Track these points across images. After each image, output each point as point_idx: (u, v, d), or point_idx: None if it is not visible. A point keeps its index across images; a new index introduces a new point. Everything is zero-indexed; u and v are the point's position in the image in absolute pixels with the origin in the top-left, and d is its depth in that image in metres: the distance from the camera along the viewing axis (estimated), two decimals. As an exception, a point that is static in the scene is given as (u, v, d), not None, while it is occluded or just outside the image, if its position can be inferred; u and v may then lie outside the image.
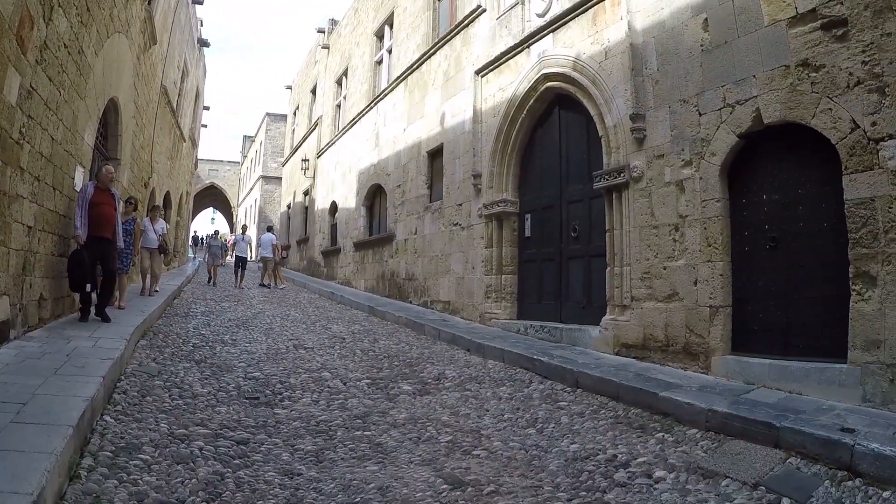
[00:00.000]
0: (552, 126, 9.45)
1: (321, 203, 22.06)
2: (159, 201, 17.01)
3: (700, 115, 6.63)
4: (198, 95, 26.39)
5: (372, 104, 16.66)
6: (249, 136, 57.82)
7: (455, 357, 7.76)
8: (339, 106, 21.77)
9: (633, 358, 7.11)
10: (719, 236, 6.36)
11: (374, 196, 16.42)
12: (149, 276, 11.11)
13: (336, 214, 19.99)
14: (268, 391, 5.56)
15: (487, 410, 5.40)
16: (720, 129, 6.40)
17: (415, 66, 13.72)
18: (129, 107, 10.72)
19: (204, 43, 23.64)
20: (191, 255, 31.90)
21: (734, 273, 6.38)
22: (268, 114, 47.40)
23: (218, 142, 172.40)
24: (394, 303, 12.76)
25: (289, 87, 34.51)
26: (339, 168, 19.68)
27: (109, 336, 6.27)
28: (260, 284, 18.10)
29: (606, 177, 7.74)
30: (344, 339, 8.71)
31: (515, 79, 9.76)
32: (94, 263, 7.16)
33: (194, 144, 27.07)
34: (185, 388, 5.38)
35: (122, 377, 5.46)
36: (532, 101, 9.52)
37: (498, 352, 7.59)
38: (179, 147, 20.94)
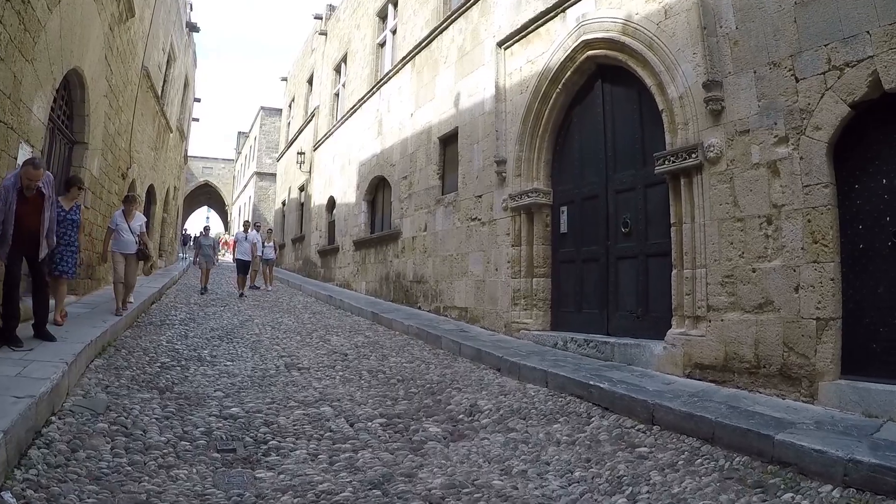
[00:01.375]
0: (593, 102, 7.99)
1: (318, 198, 20.60)
2: (141, 195, 15.49)
3: (797, 80, 5.22)
4: (187, 85, 24.89)
5: (374, 89, 15.18)
6: (244, 132, 56.66)
7: (484, 379, 6.29)
8: (337, 95, 20.41)
9: (711, 382, 5.68)
10: (829, 231, 4.95)
11: (376, 189, 14.91)
12: (121, 286, 8.32)
13: (334, 210, 18.51)
14: (248, 438, 4.10)
15: (548, 465, 3.96)
16: (825, 98, 5.00)
17: (423, 44, 12.24)
18: (100, 84, 9.21)
19: (193, 27, 22.09)
20: (181, 255, 30.33)
21: (845, 277, 4.97)
22: (262, 107, 46.13)
23: (213, 140, 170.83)
24: (400, 308, 11.26)
25: (284, 79, 33.32)
26: (338, 160, 18.19)
27: (46, 359, 4.75)
28: (250, 287, 16.57)
29: (671, 159, 6.28)
30: (346, 355, 7.24)
31: (547, 49, 8.29)
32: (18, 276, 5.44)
33: (183, 136, 25.50)
34: (137, 435, 3.92)
35: (54, 417, 3.99)
36: (568, 73, 8.06)
37: (539, 374, 6.11)
38: (165, 138, 19.38)
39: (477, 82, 9.94)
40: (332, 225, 18.60)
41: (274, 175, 39.35)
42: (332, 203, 18.84)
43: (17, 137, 6.03)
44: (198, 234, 19.67)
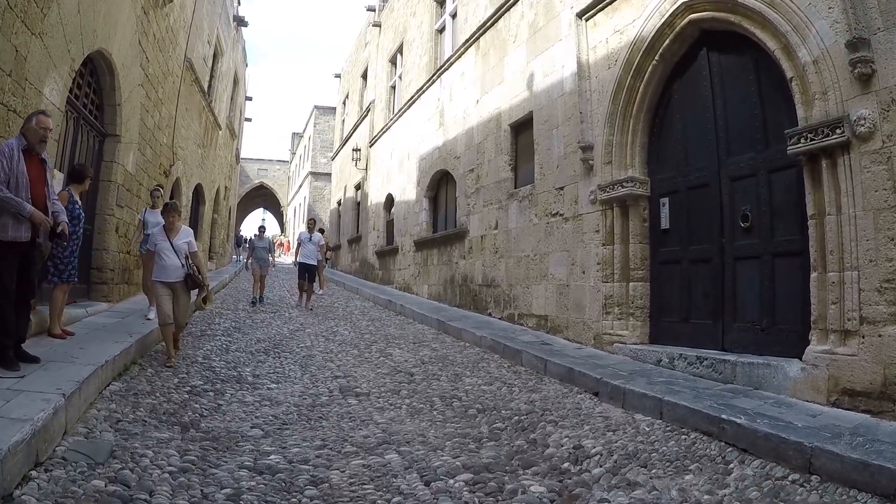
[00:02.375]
0: (697, 75, 6.91)
1: (375, 197, 19.93)
2: (187, 194, 15.03)
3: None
4: (236, 82, 24.65)
5: (434, 77, 14.34)
6: (298, 133, 56.99)
7: (582, 407, 5.31)
8: (393, 87, 19.80)
9: (864, 412, 4.59)
10: None
11: (438, 185, 14.08)
12: (170, 328, 6.33)
13: (392, 209, 17.79)
14: (288, 508, 3.19)
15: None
16: None
17: (488, 24, 11.31)
18: (133, 71, 8.64)
19: (241, 21, 21.78)
20: (234, 257, 30.19)
21: None
22: (316, 106, 46.11)
23: (269, 142, 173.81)
24: (469, 315, 10.36)
25: (337, 76, 32.96)
26: (396, 155, 17.45)
27: (40, 389, 3.91)
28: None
29: (809, 136, 5.17)
30: (412, 374, 6.39)
31: (639, 15, 7.25)
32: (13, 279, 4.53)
33: (234, 135, 25.30)
34: (138, 502, 3.01)
35: (37, 471, 3.15)
36: (666, 42, 7.00)
37: (651, 402, 5.10)
38: (213, 135, 19.03)
39: (553, 60, 8.95)
40: (390, 224, 17.88)
41: (329, 175, 39.16)
42: (390, 201, 18.13)
43: (20, 119, 5.37)
44: (252, 236, 18.94)
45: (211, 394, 5.21)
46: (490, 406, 5.17)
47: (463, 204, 11.80)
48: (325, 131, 44.44)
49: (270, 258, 13.34)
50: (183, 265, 6.35)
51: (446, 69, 13.56)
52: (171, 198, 13.58)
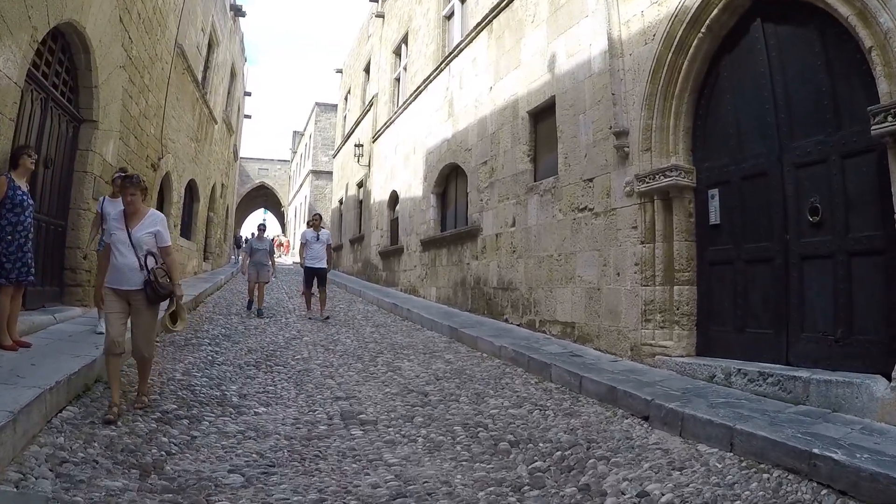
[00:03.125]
0: (750, 49, 6.07)
1: (378, 194, 19.12)
2: (179, 190, 14.22)
3: None
4: (234, 75, 23.91)
5: (442, 65, 13.52)
6: (299, 132, 56.33)
7: (633, 436, 4.47)
8: (397, 80, 19.06)
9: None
10: None
11: (447, 180, 13.24)
12: (115, 359, 4.61)
13: (397, 207, 16.97)
14: None
15: None
16: None
17: (503, 5, 10.48)
18: (113, 51, 7.85)
19: (238, 11, 20.98)
20: (234, 259, 29.38)
21: None
22: (317, 103, 45.39)
23: (269, 142, 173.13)
24: (483, 322, 9.51)
25: (339, 71, 32.25)
26: (401, 150, 16.64)
27: None
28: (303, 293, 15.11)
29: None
30: (426, 394, 5.53)
31: (681, -17, 6.42)
32: None
33: (231, 130, 24.48)
34: None
35: None
36: (714, 12, 6.16)
37: (718, 431, 4.25)
38: (209, 130, 18.23)
39: (579, 39, 8.11)
40: (394, 223, 17.06)
41: (330, 173, 38.57)
42: (394, 198, 17.32)
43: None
44: (249, 236, 17.82)
45: (185, 422, 4.35)
46: (524, 437, 4.31)
47: (475, 200, 10.96)
48: (326, 129, 43.78)
49: (271, 263, 11.64)
50: (143, 267, 4.55)
51: (455, 56, 12.73)
52: (161, 194, 12.81)
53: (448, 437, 4.29)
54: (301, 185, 48.81)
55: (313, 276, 11.00)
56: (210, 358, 6.51)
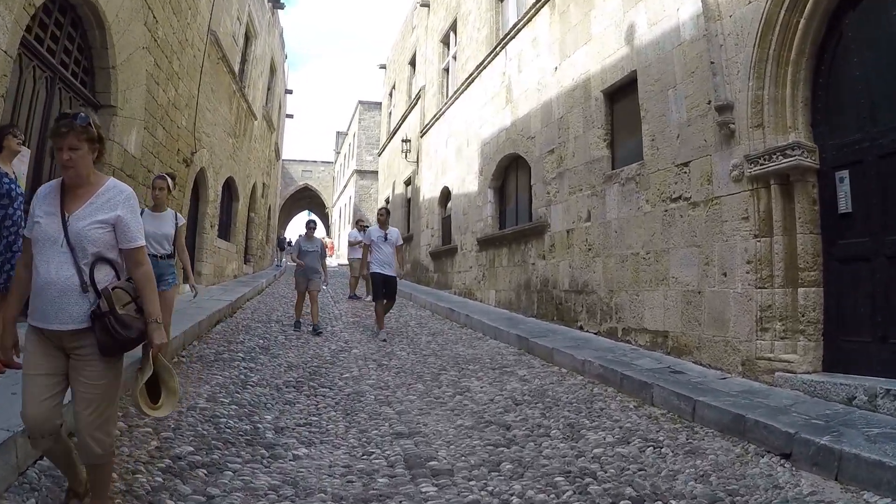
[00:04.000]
0: (881, 4, 5.04)
1: (428, 191, 18.31)
2: (215, 188, 13.63)
3: None
4: (274, 70, 23.43)
5: (497, 49, 12.61)
6: (342, 132, 56.15)
7: (780, 484, 3.50)
8: (446, 70, 18.32)
9: None
10: None
11: (506, 172, 12.32)
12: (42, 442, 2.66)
13: (449, 204, 16.13)
14: None
15: None
16: None
17: (567, -24, 9.53)
18: (134, 29, 7.21)
19: (276, 3, 20.51)
20: (277, 262, 28.92)
21: None
22: (360, 102, 45.02)
23: (313, 145, 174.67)
24: (554, 329, 8.57)
25: (382, 67, 31.77)
26: (453, 143, 15.79)
27: None
28: (350, 297, 14.46)
29: None
30: (508, 426, 4.58)
31: (796, -74, 5.40)
32: None
33: (272, 128, 23.98)
34: None
35: None
36: (839, -43, 5.16)
37: (893, 476, 3.29)
38: (248, 125, 17.68)
39: (663, 4, 7.11)
40: (446, 221, 16.22)
41: (375, 172, 38.18)
42: (446, 195, 16.50)
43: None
44: (297, 238, 16.72)
45: (202, 472, 3.44)
46: (647, 490, 3.34)
47: (540, 193, 10.01)
48: (370, 127, 43.42)
49: (325, 269, 9.95)
50: (87, 286, 2.56)
51: (512, 38, 11.80)
52: (196, 192, 12.25)
53: (551, 495, 3.32)
54: (345, 186, 48.55)
55: (383, 285, 9.04)
56: (243, 377, 5.71)
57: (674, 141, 6.77)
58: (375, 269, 9.08)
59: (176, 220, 5.64)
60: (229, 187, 16.47)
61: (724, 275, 5.97)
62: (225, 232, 16.42)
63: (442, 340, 8.64)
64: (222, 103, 13.65)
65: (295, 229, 68.70)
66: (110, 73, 6.69)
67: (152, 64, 8.11)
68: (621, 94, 8.05)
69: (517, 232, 10.86)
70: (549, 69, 10.00)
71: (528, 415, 4.76)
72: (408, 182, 22.08)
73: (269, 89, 22.61)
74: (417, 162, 20.25)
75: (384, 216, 9.66)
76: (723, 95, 6.02)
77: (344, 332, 9.11)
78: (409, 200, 22.24)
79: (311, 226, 10.21)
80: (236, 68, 14.76)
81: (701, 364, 6.14)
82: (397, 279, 9.34)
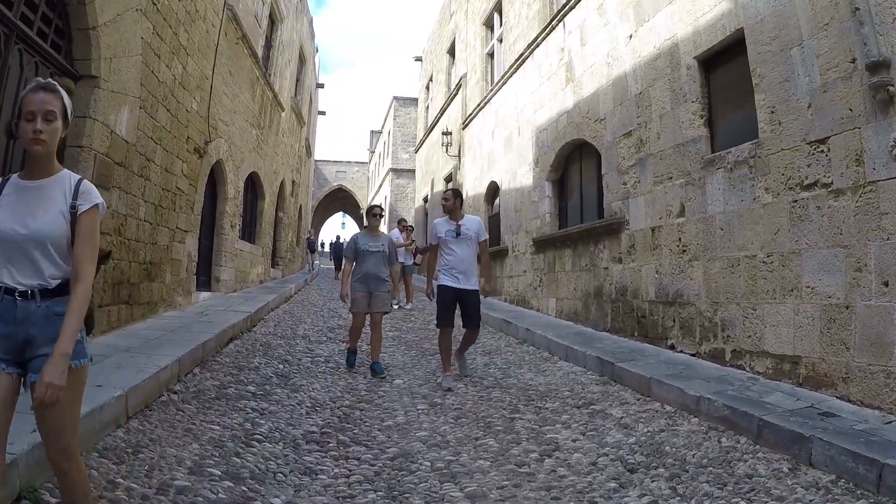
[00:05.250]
0: None
1: (472, 187, 17.15)
2: (236, 183, 12.61)
3: None
4: (303, 61, 22.57)
5: (553, 23, 11.36)
6: (376, 131, 55.58)
7: None
8: (490, 54, 17.27)
9: None
10: None
11: (567, 162, 11.05)
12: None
13: (497, 200, 14.95)
14: None
15: None
16: None
17: (641, -72, 8.24)
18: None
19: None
20: (309, 265, 27.97)
21: None
22: (395, 97, 44.21)
23: (347, 147, 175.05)
24: (638, 348, 7.24)
25: (418, 59, 31.01)
26: (500, 132, 14.59)
27: None
28: (397, 304, 13.37)
29: None
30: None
31: None
32: None
33: (302, 122, 23.03)
34: None
35: None
36: None
37: None
38: (274, 117, 16.70)
39: (778, -58, 5.81)
40: (494, 220, 15.04)
41: (412, 171, 37.46)
42: (493, 191, 15.33)
43: None
44: (355, 236, 14.95)
45: None
46: None
47: (614, 184, 8.71)
48: (405, 124, 42.59)
49: (393, 279, 7.70)
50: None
51: (571, 7, 10.51)
52: (212, 188, 11.28)
53: None
54: (380, 186, 47.82)
55: (456, 304, 6.52)
56: (249, 426, 4.42)
57: (803, 112, 5.43)
58: (446, 279, 6.50)
59: (74, 198, 2.35)
60: (253, 183, 15.53)
61: (886, 284, 4.63)
62: (248, 233, 15.49)
63: (502, 362, 7.42)
64: (243, 89, 12.70)
65: (329, 231, 68.26)
66: (90, 35, 5.60)
67: (150, 31, 7.10)
68: (721, 60, 6.73)
69: (584, 231, 9.55)
70: (621, 38, 8.71)
71: (654, 490, 3.46)
72: (448, 178, 21.04)
73: (298, 80, 21.72)
74: (459, 156, 19.17)
75: (451, 201, 6.65)
76: (875, 50, 4.70)
77: (385, 351, 7.88)
78: (450, 198, 21.06)
79: (376, 212, 7.28)
80: (259, 52, 13.75)
81: (850, 400, 4.81)
82: (480, 296, 6.64)
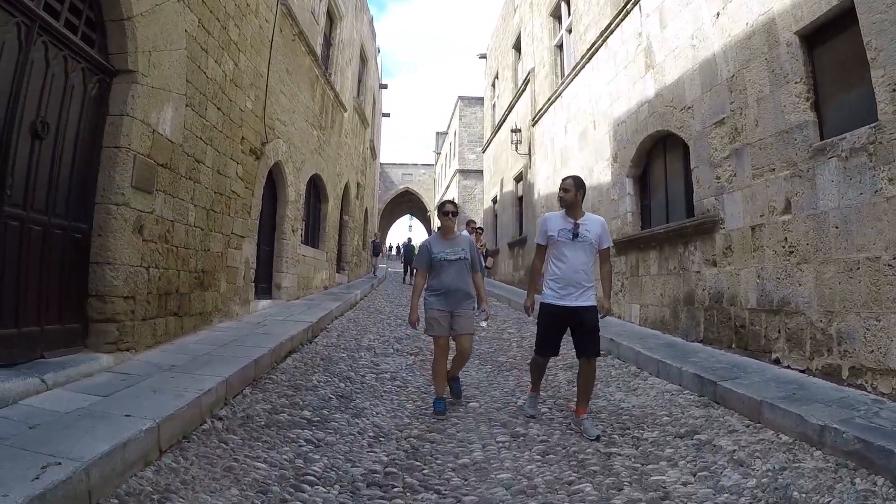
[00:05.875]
0: None
1: (544, 186, 16.59)
2: (297, 186, 12.41)
3: None
4: (364, 60, 22.47)
5: (627, 7, 10.72)
6: (442, 132, 55.67)
7: None
8: (559, 46, 16.74)
9: None
10: None
11: (649, 156, 10.39)
12: None
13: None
14: None
15: None
16: None
17: None
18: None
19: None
20: (375, 270, 27.82)
21: None
22: (460, 97, 44.07)
23: (413, 151, 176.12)
24: (741, 363, 6.51)
25: (482, 56, 31.01)
26: (574, 127, 13.99)
27: None
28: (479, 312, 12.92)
29: None
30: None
31: None
32: None
33: (365, 123, 22.88)
34: None
35: None
36: None
37: None
38: (336, 117, 16.52)
39: None
40: (568, 221, 14.36)
41: (479, 172, 37.35)
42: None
43: None
44: (427, 240, 14.29)
45: None
46: None
47: (705, 178, 8.00)
48: (472, 124, 42.38)
49: (479, 289, 6.05)
50: None
51: (649, -12, 9.88)
52: (272, 191, 11.11)
53: None
54: (447, 188, 47.76)
55: (564, 326, 5.17)
56: (301, 463, 3.94)
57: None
58: (551, 296, 5.13)
59: None
60: (315, 186, 15.38)
61: None
62: (311, 237, 15.33)
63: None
64: (302, 88, 12.52)
65: (396, 236, 68.70)
66: (125, 26, 5.34)
67: (196, 24, 6.87)
68: (826, 34, 6.01)
69: (671, 231, 8.84)
70: (707, 17, 8.03)
71: None
72: (518, 178, 20.65)
73: (360, 81, 21.62)
74: (529, 154, 18.66)
75: (572, 192, 5.17)
76: None
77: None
78: (520, 199, 20.79)
79: (448, 209, 5.91)
80: (318, 50, 13.56)
81: None
82: (598, 315, 5.16)
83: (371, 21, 24.00)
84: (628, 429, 4.99)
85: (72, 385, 4.61)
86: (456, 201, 43.61)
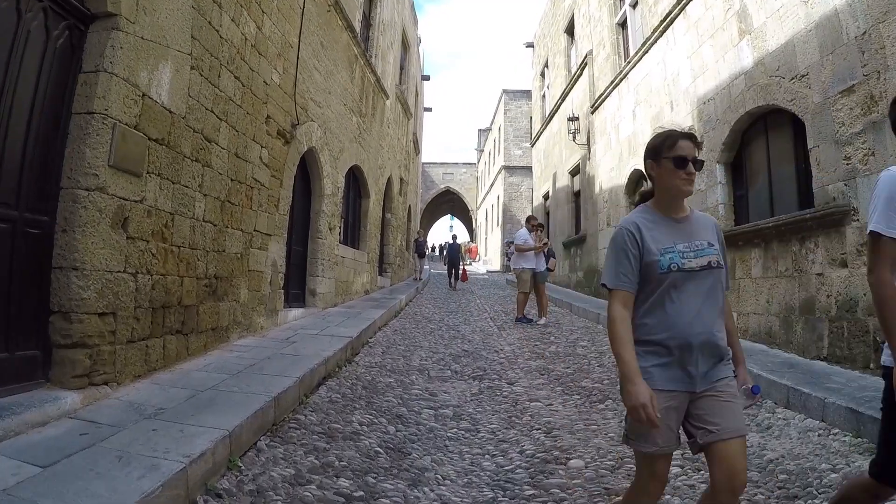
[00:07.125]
0: None
1: (607, 179, 15.54)
2: (334, 177, 11.48)
3: None
4: (406, 47, 21.77)
5: (713, -32, 9.57)
6: (484, 129, 55.10)
7: None
8: (621, 24, 15.74)
9: None
10: None
11: (741, 140, 9.16)
12: None
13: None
14: None
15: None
16: None
17: None
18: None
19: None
20: (419, 272, 26.97)
21: None
22: (504, 91, 43.38)
23: (453, 149, 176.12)
24: (873, 384, 5.39)
25: (529, 45, 30.35)
26: (644, 111, 12.94)
27: None
28: (517, 319, 12.20)
29: None
30: None
31: None
32: None
33: (408, 113, 22.01)
34: None
35: None
36: None
37: None
38: (377, 104, 15.61)
39: None
40: (639, 217, 13.31)
41: (526, 168, 36.53)
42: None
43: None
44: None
45: None
46: None
47: (830, 159, 6.77)
48: (517, 118, 41.53)
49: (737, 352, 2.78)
50: None
51: (741, -57, 8.71)
52: (305, 182, 10.23)
53: None
54: (492, 186, 47.06)
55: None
56: None
57: None
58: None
59: None
60: (355, 179, 14.49)
61: None
62: (351, 236, 14.36)
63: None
64: (339, 67, 11.58)
65: (437, 235, 68.19)
66: None
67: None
68: None
69: (783, 225, 7.54)
70: (825, -35, 6.87)
71: None
72: (575, 171, 19.67)
73: (402, 69, 20.81)
74: (588, 144, 17.62)
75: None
76: None
77: (534, 394, 6.22)
78: (577, 194, 19.82)
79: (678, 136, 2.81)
80: (357, 27, 12.72)
81: None
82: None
83: (412, 5, 23.26)
84: (797, 497, 3.69)
85: (8, 443, 3.31)
86: (496, 204, 42.74)
